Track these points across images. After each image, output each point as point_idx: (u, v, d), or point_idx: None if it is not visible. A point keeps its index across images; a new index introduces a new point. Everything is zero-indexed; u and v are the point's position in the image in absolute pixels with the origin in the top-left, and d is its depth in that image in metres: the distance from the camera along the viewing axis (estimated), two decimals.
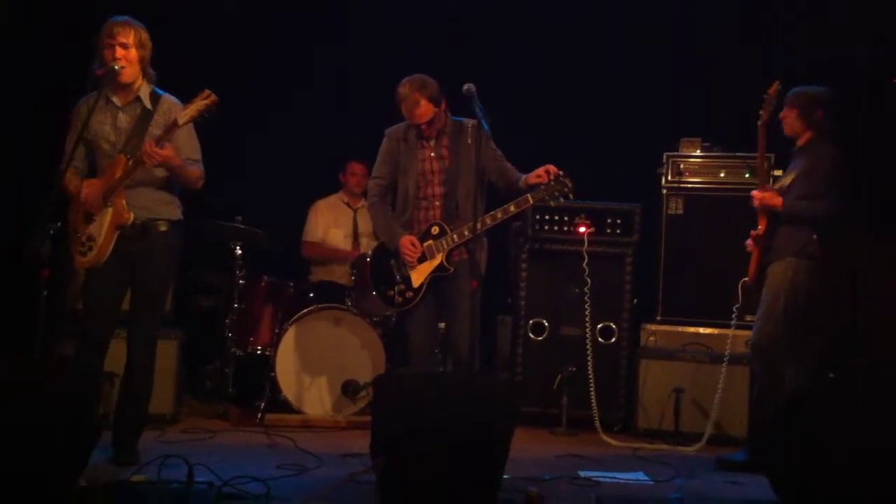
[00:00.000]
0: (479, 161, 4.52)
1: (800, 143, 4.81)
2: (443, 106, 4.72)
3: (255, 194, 6.36)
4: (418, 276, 4.71)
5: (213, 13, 6.46)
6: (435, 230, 4.70)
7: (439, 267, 4.68)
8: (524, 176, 4.67)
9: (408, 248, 4.68)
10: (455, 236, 4.65)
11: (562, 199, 4.60)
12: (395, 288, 4.76)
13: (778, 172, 5.24)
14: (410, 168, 4.75)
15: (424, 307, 4.74)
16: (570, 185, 4.58)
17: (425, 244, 4.69)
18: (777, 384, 4.60)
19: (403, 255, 4.70)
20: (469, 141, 4.67)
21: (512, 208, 4.61)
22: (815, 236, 4.65)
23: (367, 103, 6.43)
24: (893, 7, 5.55)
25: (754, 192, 4.79)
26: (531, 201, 4.61)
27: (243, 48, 6.51)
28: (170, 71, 4.44)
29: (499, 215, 4.61)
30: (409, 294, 4.73)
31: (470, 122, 4.69)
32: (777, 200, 4.69)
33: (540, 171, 4.60)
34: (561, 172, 4.58)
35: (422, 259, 4.71)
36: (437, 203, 4.72)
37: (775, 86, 4.74)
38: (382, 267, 4.83)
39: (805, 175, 4.70)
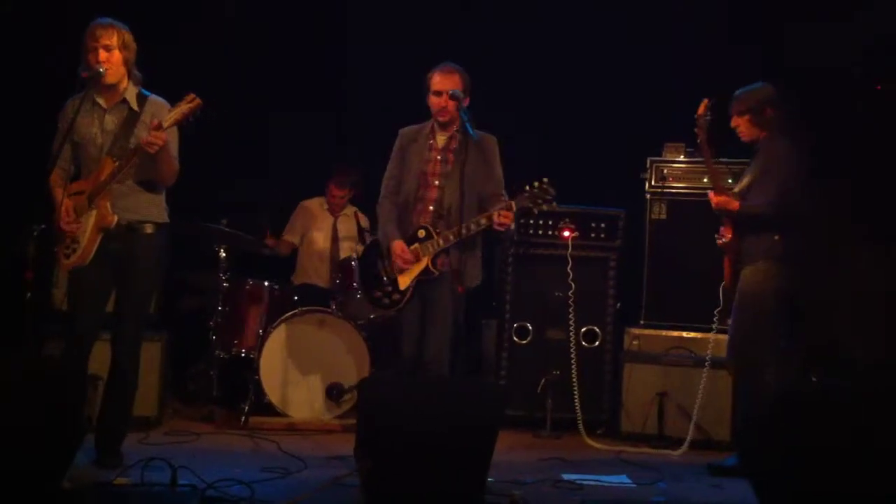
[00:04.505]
0: (479, 172, 4.59)
1: (754, 141, 4.81)
2: (466, 102, 4.70)
3: (242, 197, 6.37)
4: (405, 279, 4.69)
5: (213, 21, 6.47)
6: (421, 233, 4.66)
7: (425, 270, 4.65)
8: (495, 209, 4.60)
9: (398, 253, 4.66)
10: (441, 240, 4.61)
11: (545, 207, 4.58)
12: (383, 290, 4.75)
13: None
14: (414, 168, 4.75)
15: (412, 311, 4.71)
16: (552, 192, 4.54)
17: (412, 247, 4.65)
18: (757, 388, 4.61)
19: (394, 260, 4.68)
20: (478, 153, 4.64)
21: (495, 216, 4.53)
22: (777, 237, 4.65)
23: (360, 110, 6.48)
24: (883, 9, 5.60)
25: (711, 194, 4.79)
26: (514, 208, 4.55)
27: (238, 54, 6.54)
28: (165, 77, 4.44)
29: (483, 221, 4.55)
30: (396, 296, 4.71)
31: (484, 135, 4.70)
32: (734, 205, 4.70)
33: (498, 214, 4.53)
34: (545, 180, 4.55)
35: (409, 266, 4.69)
36: (431, 207, 4.71)
37: (704, 104, 4.74)
38: (371, 268, 4.83)
39: (761, 176, 4.69)
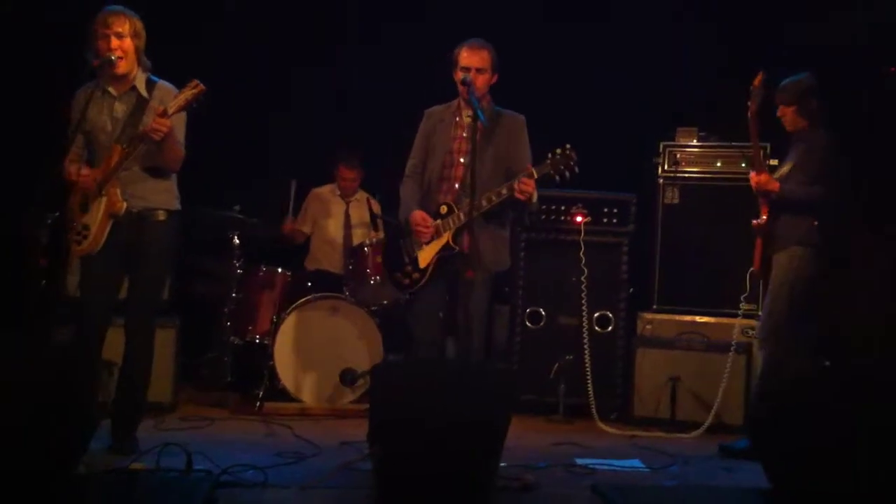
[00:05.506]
0: (504, 151, 4.58)
1: (796, 131, 4.82)
2: (494, 79, 4.69)
3: (254, 184, 6.38)
4: (425, 257, 4.62)
5: (214, 13, 6.47)
6: (443, 210, 4.60)
7: (445, 246, 4.57)
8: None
9: (418, 222, 4.60)
10: (462, 215, 4.51)
11: (567, 174, 4.49)
12: (403, 270, 4.68)
13: (773, 162, 5.27)
14: (440, 148, 4.70)
15: (429, 295, 4.65)
16: (575, 158, 4.48)
17: (434, 223, 4.60)
18: (781, 372, 4.61)
19: (414, 230, 4.62)
20: (503, 131, 4.64)
21: (515, 184, 4.47)
22: (816, 223, 4.66)
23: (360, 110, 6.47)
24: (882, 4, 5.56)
25: (752, 174, 4.78)
26: (535, 176, 4.47)
27: (238, 52, 6.55)
28: (172, 68, 4.45)
29: (503, 191, 4.48)
30: (416, 275, 4.63)
31: (511, 115, 4.71)
32: (774, 185, 4.70)
33: (519, 182, 4.49)
34: (567, 146, 4.50)
35: (429, 239, 4.62)
36: (457, 185, 4.65)
37: (759, 77, 4.74)
38: (393, 250, 4.80)
39: (801, 163, 4.71)
